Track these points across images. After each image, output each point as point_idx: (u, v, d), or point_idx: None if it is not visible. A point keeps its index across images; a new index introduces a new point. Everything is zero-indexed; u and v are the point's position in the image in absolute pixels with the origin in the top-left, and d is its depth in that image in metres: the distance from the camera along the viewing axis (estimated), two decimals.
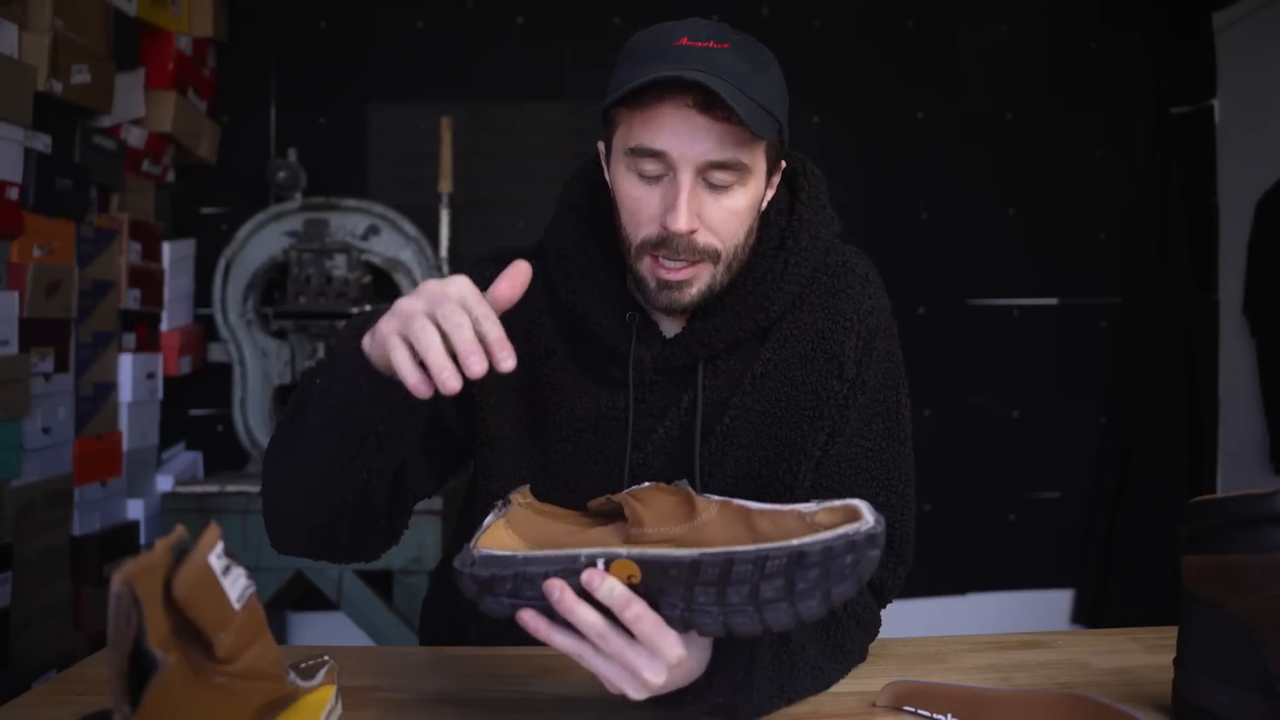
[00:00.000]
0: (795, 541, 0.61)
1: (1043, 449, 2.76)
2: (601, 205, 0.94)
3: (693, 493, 0.70)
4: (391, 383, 0.72)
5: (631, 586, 0.63)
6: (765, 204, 0.90)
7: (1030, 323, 2.77)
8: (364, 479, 0.78)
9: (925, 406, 2.59)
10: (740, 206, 0.84)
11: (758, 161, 0.84)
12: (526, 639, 0.66)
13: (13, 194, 1.73)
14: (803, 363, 0.91)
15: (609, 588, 0.62)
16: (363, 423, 0.74)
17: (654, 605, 0.63)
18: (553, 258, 0.94)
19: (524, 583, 0.64)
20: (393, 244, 2.38)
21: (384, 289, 2.42)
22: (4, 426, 1.74)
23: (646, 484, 0.73)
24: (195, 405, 2.55)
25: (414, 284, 2.35)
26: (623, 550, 0.64)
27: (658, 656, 0.63)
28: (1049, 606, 2.77)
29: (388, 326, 0.68)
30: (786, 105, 0.86)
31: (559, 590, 0.63)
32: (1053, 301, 2.78)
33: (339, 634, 2.46)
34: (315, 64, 2.60)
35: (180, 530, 0.55)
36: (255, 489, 2.18)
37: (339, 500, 0.79)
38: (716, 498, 0.69)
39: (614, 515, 0.71)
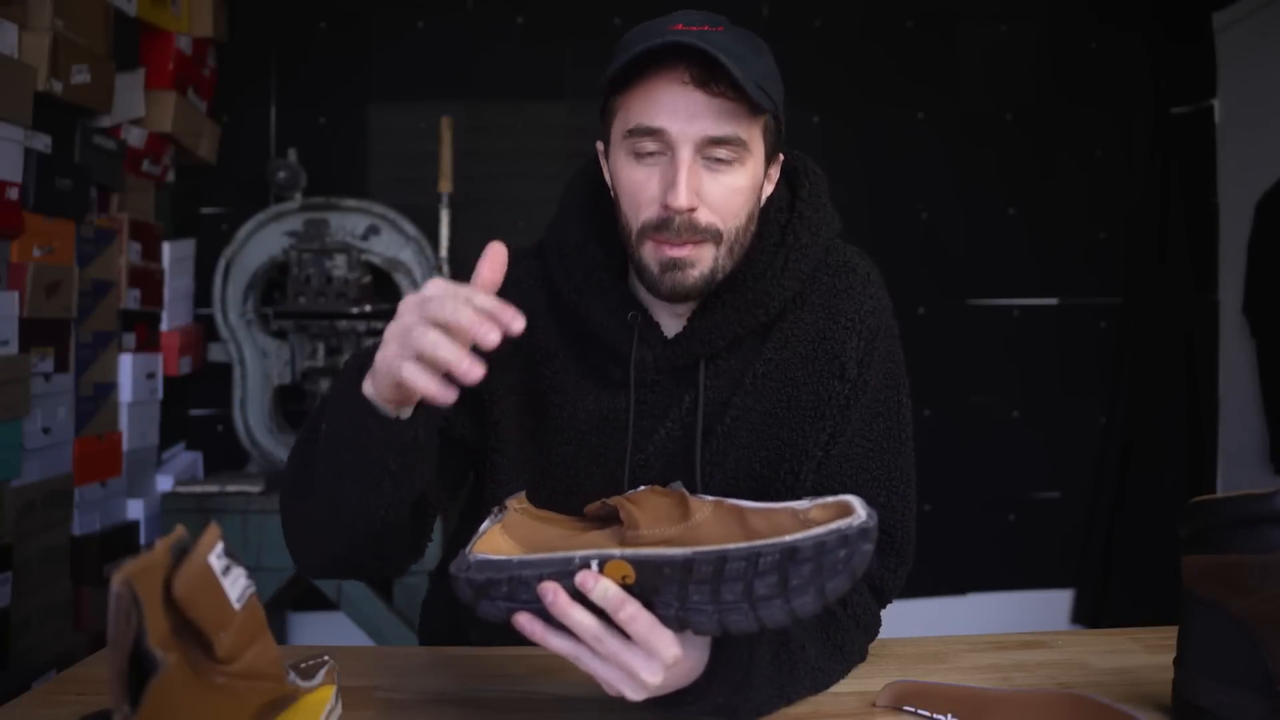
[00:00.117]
0: (788, 537, 0.61)
1: (1042, 449, 2.76)
2: (603, 205, 0.94)
3: (686, 493, 0.70)
4: (399, 422, 0.72)
5: (626, 587, 0.63)
6: (765, 198, 0.91)
7: (1030, 323, 2.77)
8: (383, 515, 0.78)
9: (925, 406, 2.58)
10: (740, 185, 0.84)
11: (755, 140, 0.84)
12: (526, 639, 0.66)
13: (13, 194, 1.73)
14: (804, 363, 0.91)
15: (603, 589, 0.62)
16: (376, 465, 0.74)
17: (649, 605, 0.63)
18: (554, 257, 0.94)
19: (519, 586, 0.64)
20: (393, 244, 2.38)
21: (384, 289, 2.42)
22: (4, 426, 1.74)
23: (642, 488, 0.73)
24: (195, 405, 2.56)
25: (414, 284, 2.35)
26: (616, 551, 0.64)
27: (654, 656, 0.63)
28: (1049, 606, 2.77)
29: (386, 354, 0.68)
30: (782, 93, 0.86)
31: (553, 593, 0.63)
32: (1053, 301, 2.78)
33: (339, 634, 2.46)
34: (315, 64, 2.60)
35: (180, 530, 0.55)
36: (255, 489, 2.19)
37: (360, 534, 0.80)
38: (710, 498, 0.69)
39: (610, 519, 0.71)
